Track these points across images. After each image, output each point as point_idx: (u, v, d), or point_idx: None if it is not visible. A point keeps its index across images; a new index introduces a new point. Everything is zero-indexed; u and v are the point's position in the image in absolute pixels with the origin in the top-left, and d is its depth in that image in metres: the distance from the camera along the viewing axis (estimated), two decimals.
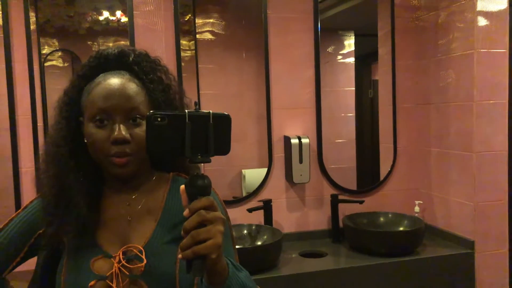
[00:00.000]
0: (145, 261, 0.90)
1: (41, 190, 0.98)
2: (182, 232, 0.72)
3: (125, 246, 0.93)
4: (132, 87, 0.93)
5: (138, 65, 0.96)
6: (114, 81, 0.92)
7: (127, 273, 0.90)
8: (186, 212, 0.73)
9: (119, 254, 0.91)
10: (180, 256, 0.72)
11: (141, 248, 0.92)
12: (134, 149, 0.91)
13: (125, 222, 0.96)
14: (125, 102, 0.91)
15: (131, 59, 0.97)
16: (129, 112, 0.91)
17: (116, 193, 0.99)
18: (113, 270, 0.90)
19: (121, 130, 0.89)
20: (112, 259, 0.92)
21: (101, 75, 0.95)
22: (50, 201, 0.94)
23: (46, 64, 2.14)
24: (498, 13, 2.10)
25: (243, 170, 2.44)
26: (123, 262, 0.90)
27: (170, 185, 1.01)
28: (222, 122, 0.74)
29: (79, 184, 0.94)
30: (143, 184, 1.00)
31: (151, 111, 0.73)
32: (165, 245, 0.93)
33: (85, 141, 0.94)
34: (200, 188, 0.73)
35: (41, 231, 0.97)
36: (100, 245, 0.94)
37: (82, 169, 0.95)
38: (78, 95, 0.95)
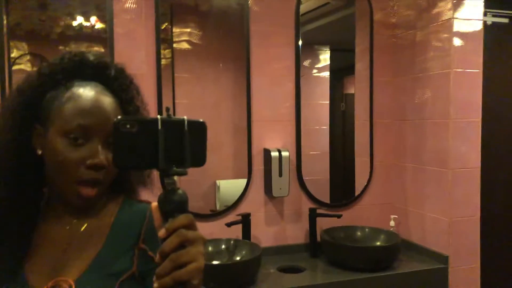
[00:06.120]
0: None
1: None
2: (157, 257, 0.63)
3: (53, 280, 0.79)
4: (114, 106, 0.84)
5: (118, 81, 0.88)
6: (97, 96, 0.83)
7: None
8: (162, 233, 0.64)
9: None
10: (156, 285, 0.62)
11: (71, 283, 0.79)
12: (106, 177, 0.82)
13: (60, 249, 0.83)
14: (107, 122, 0.80)
15: (112, 73, 0.88)
16: (109, 134, 0.79)
17: (56, 213, 0.86)
18: None
19: (101, 155, 0.79)
20: None
21: (77, 83, 0.84)
22: None
23: (14, 67, 2.05)
24: (473, 34, 2.17)
25: (217, 181, 2.40)
26: None
27: (120, 208, 0.90)
28: (198, 130, 0.68)
29: (14, 199, 0.82)
30: (91, 205, 0.87)
31: (119, 117, 0.65)
32: (104, 278, 0.81)
33: (39, 152, 0.83)
34: (177, 204, 0.65)
35: None
36: (26, 275, 0.80)
37: (22, 182, 0.82)
38: (39, 97, 0.83)
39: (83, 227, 0.86)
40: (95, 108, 0.81)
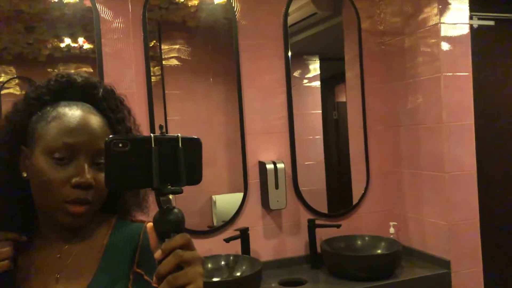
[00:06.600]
0: None
1: None
2: (154, 279, 0.62)
3: None
4: (101, 125, 0.82)
5: (106, 101, 0.86)
6: (83, 115, 0.80)
7: None
8: (158, 254, 0.62)
9: None
10: None
11: None
12: (95, 197, 0.79)
13: (52, 278, 0.80)
14: (94, 141, 0.79)
15: (100, 93, 0.86)
16: (96, 153, 0.79)
17: (46, 240, 0.83)
18: None
19: (87, 174, 0.77)
20: None
21: (63, 102, 0.82)
22: None
23: (3, 92, 2.04)
24: (461, 38, 2.19)
25: (213, 196, 2.38)
26: None
27: (112, 231, 0.86)
28: (192, 147, 0.67)
29: (4, 227, 0.80)
30: (81, 230, 0.84)
31: (111, 136, 0.63)
32: None
33: (24, 175, 0.80)
34: (173, 223, 0.64)
35: None
36: None
37: (12, 210, 0.80)
38: (26, 120, 0.81)
39: (75, 254, 0.82)
40: (81, 126, 0.79)
